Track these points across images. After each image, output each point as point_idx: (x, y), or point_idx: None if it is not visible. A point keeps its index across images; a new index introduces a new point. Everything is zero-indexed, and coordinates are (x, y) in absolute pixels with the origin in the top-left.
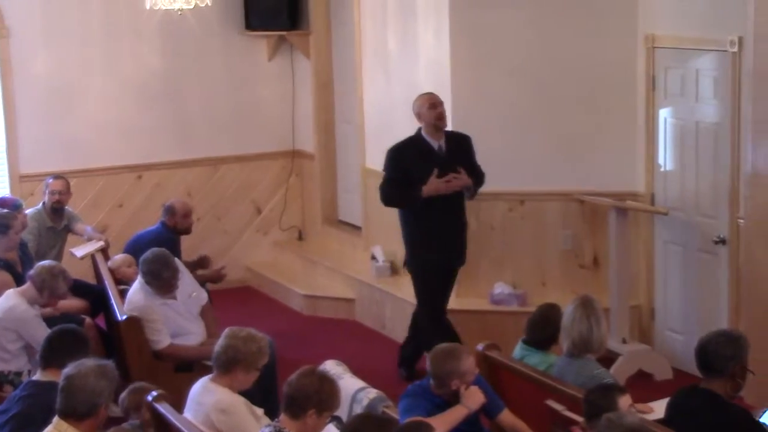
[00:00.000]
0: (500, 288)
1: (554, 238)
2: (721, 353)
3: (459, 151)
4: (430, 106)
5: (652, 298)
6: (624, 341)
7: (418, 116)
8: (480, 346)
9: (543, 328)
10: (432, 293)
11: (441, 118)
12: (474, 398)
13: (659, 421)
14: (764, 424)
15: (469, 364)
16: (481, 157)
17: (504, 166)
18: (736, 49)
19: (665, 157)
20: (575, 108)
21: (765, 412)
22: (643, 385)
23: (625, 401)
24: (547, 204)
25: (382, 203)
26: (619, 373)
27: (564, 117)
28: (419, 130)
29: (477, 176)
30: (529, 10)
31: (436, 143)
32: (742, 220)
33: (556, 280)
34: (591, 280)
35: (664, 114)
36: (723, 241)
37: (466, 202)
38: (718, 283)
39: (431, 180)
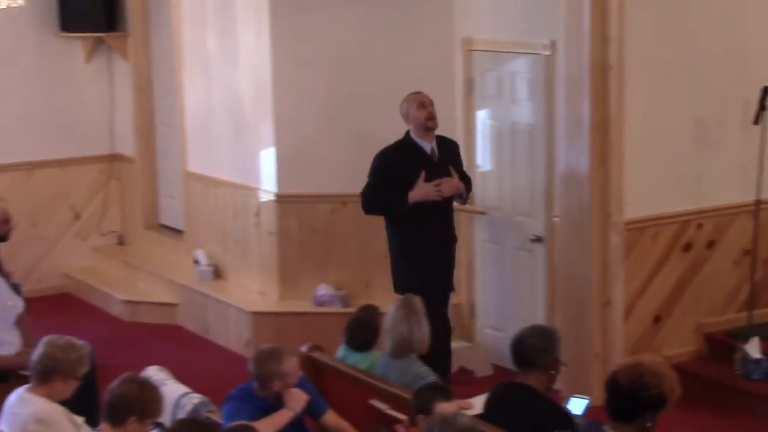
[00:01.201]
0: (324, 290)
1: (376, 240)
2: (534, 348)
3: (450, 155)
4: (419, 106)
5: (473, 296)
6: None
7: (406, 117)
8: (304, 348)
9: (362, 329)
10: None
11: (431, 117)
12: (297, 400)
13: (479, 416)
14: (571, 411)
15: (290, 365)
16: (304, 159)
17: (326, 168)
18: (549, 53)
19: (483, 158)
20: (395, 109)
21: (570, 399)
22: (464, 382)
23: (451, 402)
24: None
25: (363, 211)
26: None
27: (384, 118)
28: (407, 133)
29: (467, 182)
30: (349, 11)
31: (428, 146)
32: (557, 219)
33: (379, 281)
34: None
35: (481, 116)
36: (539, 240)
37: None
38: (534, 280)
39: (419, 184)
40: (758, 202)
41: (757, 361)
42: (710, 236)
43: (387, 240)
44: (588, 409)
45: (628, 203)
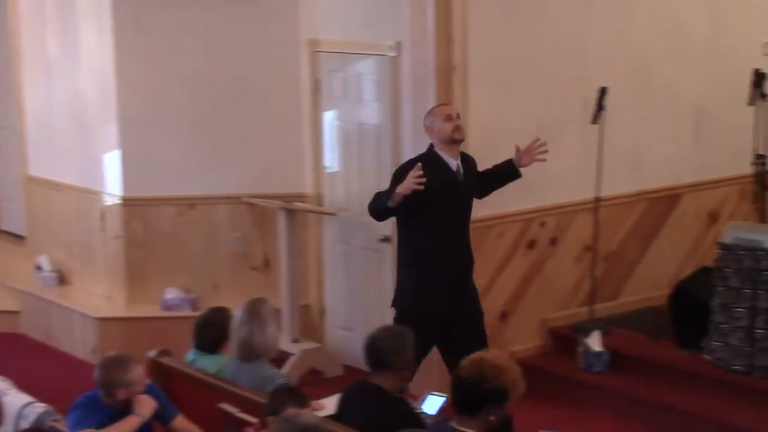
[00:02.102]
0: (172, 293)
1: (225, 242)
2: (387, 349)
3: (471, 173)
4: (446, 119)
5: (322, 297)
6: (296, 341)
7: (430, 131)
8: (151, 353)
9: (208, 329)
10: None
11: (458, 130)
12: (145, 406)
13: (331, 417)
14: (423, 410)
15: (136, 374)
16: (149, 162)
17: (172, 171)
18: (395, 54)
19: (331, 159)
20: (242, 111)
21: (426, 398)
22: (315, 383)
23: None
24: (216, 207)
25: (370, 213)
26: (291, 372)
27: (232, 120)
28: (431, 147)
29: (494, 172)
30: (195, 11)
31: (454, 162)
32: None
33: (228, 283)
34: (262, 281)
35: (329, 116)
36: (387, 239)
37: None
38: (384, 280)
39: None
40: (597, 200)
41: (598, 354)
42: (553, 233)
43: (398, 253)
44: (444, 407)
45: (477, 203)
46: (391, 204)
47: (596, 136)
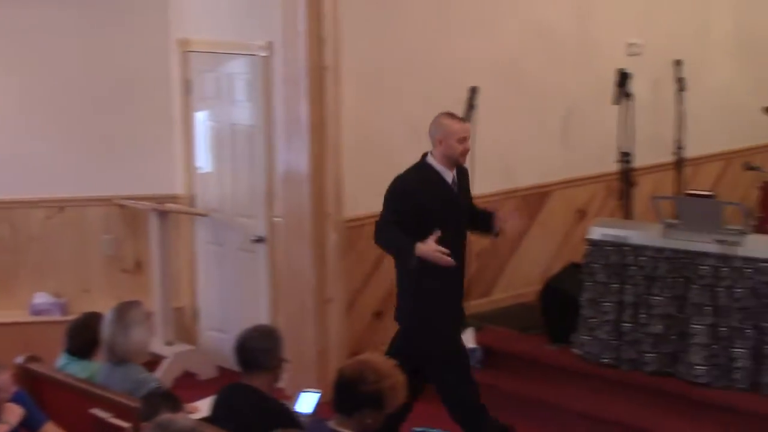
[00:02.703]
0: (41, 298)
1: (96, 244)
2: (258, 349)
3: (464, 184)
4: (461, 140)
5: (196, 298)
6: (169, 343)
7: (440, 142)
8: (19, 359)
9: (79, 336)
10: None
11: (465, 154)
12: (12, 414)
13: (205, 419)
14: (298, 409)
15: (2, 380)
16: (16, 164)
17: (41, 173)
18: (266, 54)
19: (204, 160)
20: (113, 112)
21: (300, 395)
22: (189, 385)
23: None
24: (87, 210)
25: (377, 243)
26: (165, 375)
27: (103, 121)
28: (426, 157)
29: (477, 217)
30: (62, 10)
31: (450, 175)
32: (278, 219)
33: (101, 287)
34: (135, 284)
35: (200, 117)
36: (261, 240)
37: None
38: (257, 281)
39: (430, 244)
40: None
41: (471, 351)
42: None
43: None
44: (320, 403)
45: (347, 202)
46: (407, 261)
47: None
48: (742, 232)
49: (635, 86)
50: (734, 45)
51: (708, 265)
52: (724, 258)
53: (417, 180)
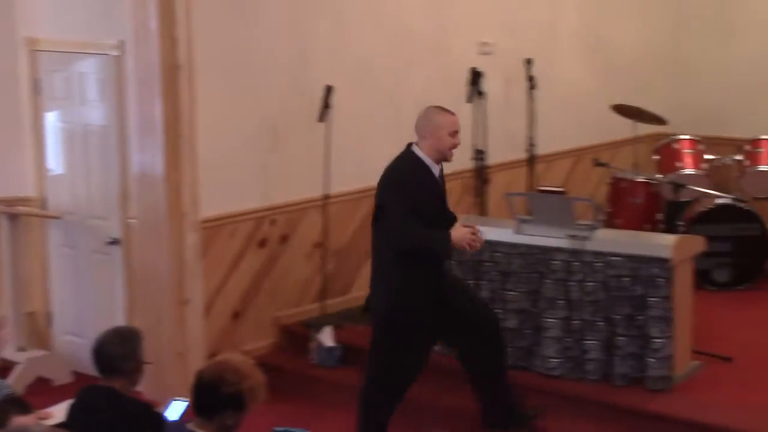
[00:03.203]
0: None
1: None
2: (116, 354)
3: (443, 181)
4: (453, 134)
5: (48, 303)
6: (22, 349)
7: (431, 134)
8: None
9: None
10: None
11: (455, 147)
12: None
13: (60, 425)
14: (166, 417)
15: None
16: None
17: None
18: (118, 53)
19: (55, 161)
20: None
21: (170, 404)
22: (43, 392)
23: (29, 414)
24: None
25: (396, 247)
26: (18, 381)
27: None
28: (412, 147)
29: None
30: None
31: (437, 169)
32: (133, 220)
33: None
34: None
35: (51, 117)
36: (116, 242)
37: None
38: (113, 283)
39: (459, 228)
40: (326, 197)
41: (330, 349)
42: (283, 231)
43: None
44: (186, 412)
45: (204, 202)
46: (443, 252)
47: (323, 134)
48: (592, 227)
49: (487, 85)
50: (581, 44)
51: (560, 260)
52: (575, 252)
53: (411, 172)
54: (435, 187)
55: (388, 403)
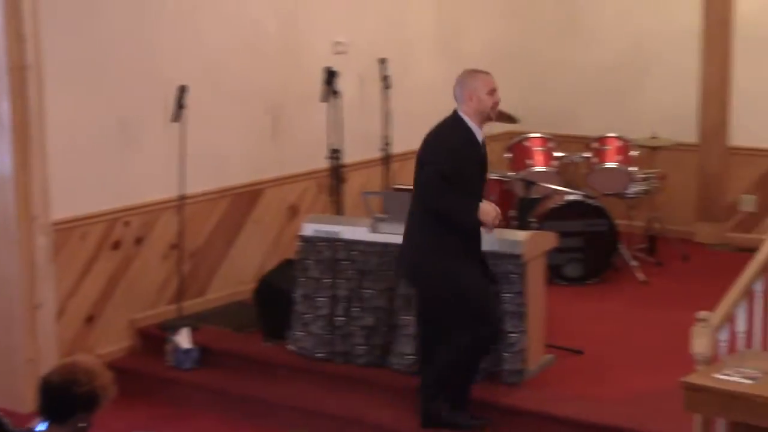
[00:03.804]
0: None
1: None
2: None
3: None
4: (491, 92)
5: None
6: None
7: (469, 98)
8: None
9: None
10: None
11: (497, 105)
12: None
13: None
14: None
15: None
16: None
17: None
18: None
19: None
20: None
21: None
22: None
23: None
24: None
25: (426, 205)
26: None
27: None
28: (457, 112)
29: None
30: None
31: (481, 134)
32: None
33: None
34: None
35: None
36: None
37: None
38: None
39: (487, 204)
40: (182, 198)
41: (188, 351)
42: (138, 233)
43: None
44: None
45: (55, 204)
46: (467, 221)
47: (177, 134)
48: None
49: (342, 84)
50: (436, 43)
51: None
52: None
53: (456, 137)
54: (477, 153)
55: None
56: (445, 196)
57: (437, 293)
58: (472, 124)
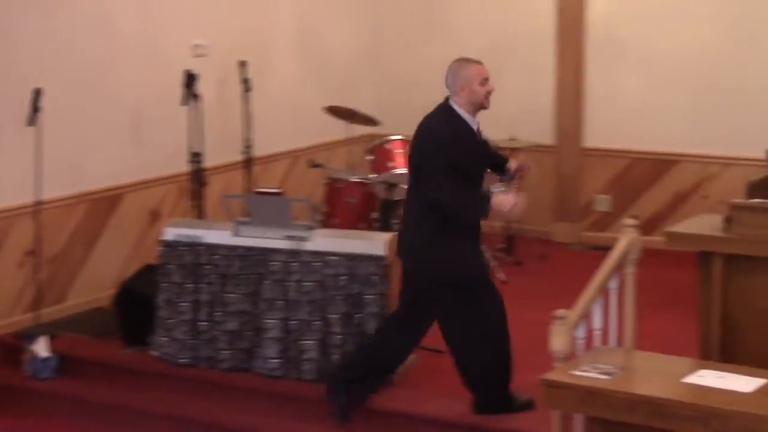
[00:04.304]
0: None
1: None
2: None
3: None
4: (483, 81)
5: None
6: None
7: (461, 88)
8: None
9: None
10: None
11: (490, 95)
12: None
13: None
14: None
15: None
16: None
17: None
18: None
19: None
20: None
21: None
22: None
23: None
24: None
25: (436, 204)
26: None
27: None
28: (449, 102)
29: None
30: None
31: (476, 123)
32: None
33: None
34: None
35: None
36: None
37: None
38: None
39: (501, 197)
40: (38, 203)
41: (46, 360)
42: None
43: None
44: None
45: None
46: (482, 215)
47: (33, 138)
48: (310, 228)
49: (203, 87)
50: (296, 45)
51: (278, 261)
52: (294, 253)
53: (449, 128)
54: (473, 142)
55: (502, 365)
56: (450, 191)
57: (440, 277)
58: (465, 114)
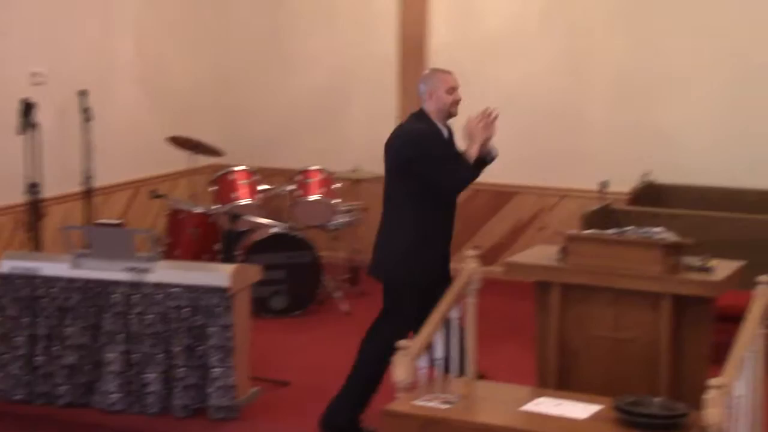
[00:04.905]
0: None
1: None
2: None
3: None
4: (450, 90)
5: None
6: None
7: (429, 96)
8: None
9: None
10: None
11: (457, 104)
12: None
13: None
14: None
15: None
16: None
17: None
18: None
19: None
20: None
21: None
22: None
23: None
24: None
25: (458, 186)
26: None
27: None
28: (422, 112)
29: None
30: None
31: (446, 131)
32: None
33: None
34: None
35: None
36: None
37: None
38: None
39: (466, 126)
40: None
41: None
42: None
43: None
44: None
45: None
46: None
47: None
48: (152, 259)
49: (41, 116)
50: (138, 74)
51: (119, 293)
52: (135, 285)
53: (427, 128)
54: (443, 141)
55: (370, 389)
56: (464, 170)
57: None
58: (437, 121)
